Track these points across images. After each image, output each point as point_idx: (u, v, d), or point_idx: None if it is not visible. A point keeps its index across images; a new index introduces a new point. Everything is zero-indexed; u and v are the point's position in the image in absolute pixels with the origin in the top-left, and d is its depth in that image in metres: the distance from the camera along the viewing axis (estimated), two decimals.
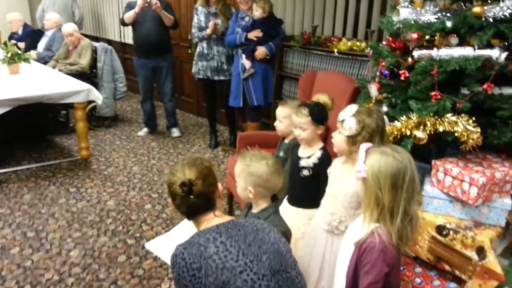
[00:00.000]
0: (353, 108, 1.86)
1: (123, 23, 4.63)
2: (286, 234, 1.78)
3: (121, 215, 3.28)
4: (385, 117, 2.00)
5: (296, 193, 2.35)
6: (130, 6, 4.50)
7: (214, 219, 1.50)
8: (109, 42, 6.40)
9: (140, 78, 4.77)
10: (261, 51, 3.78)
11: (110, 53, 5.22)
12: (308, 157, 2.27)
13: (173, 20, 4.48)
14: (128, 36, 6.20)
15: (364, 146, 1.56)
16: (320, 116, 2.26)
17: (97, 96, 4.03)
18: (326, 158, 2.23)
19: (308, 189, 2.27)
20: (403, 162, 1.42)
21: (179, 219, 3.21)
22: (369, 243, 1.43)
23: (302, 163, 2.28)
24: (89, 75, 5.08)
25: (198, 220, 1.53)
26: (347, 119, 1.85)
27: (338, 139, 1.92)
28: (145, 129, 5.07)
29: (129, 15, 4.47)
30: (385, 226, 1.43)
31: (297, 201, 2.33)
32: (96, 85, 4.93)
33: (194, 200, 1.47)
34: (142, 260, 2.75)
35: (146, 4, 4.29)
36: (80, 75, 4.84)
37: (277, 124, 2.65)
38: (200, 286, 1.35)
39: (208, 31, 4.13)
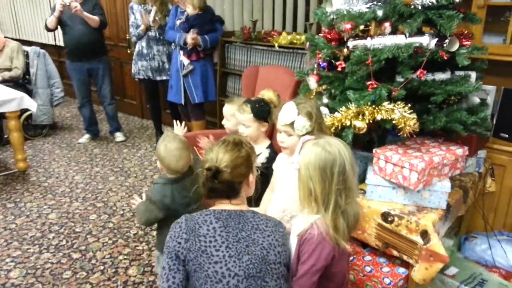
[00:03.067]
0: (292, 107, 1.83)
1: (47, 28, 4.38)
2: (153, 200, 1.98)
3: (64, 228, 3.11)
4: (324, 108, 2.01)
5: None
6: (54, 10, 4.28)
7: (225, 204, 1.50)
8: (43, 46, 6.06)
9: (75, 82, 4.55)
10: (189, 36, 3.65)
11: (44, 57, 4.94)
12: None
13: (99, 21, 4.27)
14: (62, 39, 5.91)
15: (303, 138, 1.55)
16: (262, 112, 2.22)
17: (31, 104, 3.79)
18: (274, 157, 2.18)
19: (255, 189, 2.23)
20: (331, 153, 1.41)
21: (126, 227, 3.09)
22: (308, 234, 1.43)
23: None
24: (22, 82, 4.79)
25: (215, 201, 1.53)
26: (296, 119, 1.82)
27: (292, 141, 1.86)
28: (87, 136, 4.85)
29: (50, 20, 4.26)
30: (323, 218, 1.42)
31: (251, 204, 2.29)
32: (30, 92, 4.69)
33: (217, 185, 1.46)
34: (89, 274, 2.61)
35: (66, 7, 4.10)
36: (12, 82, 4.56)
37: (225, 122, 2.58)
38: (179, 255, 1.40)
39: (142, 27, 4.02)
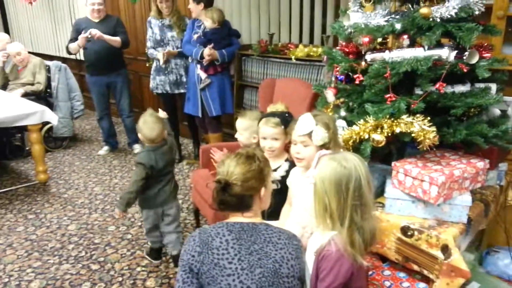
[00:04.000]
0: (310, 118, 1.83)
1: (68, 52, 4.50)
2: (143, 163, 2.50)
3: (84, 239, 3.15)
4: (342, 121, 2.00)
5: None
6: (76, 29, 4.39)
7: (238, 217, 1.51)
8: (64, 60, 6.21)
9: (94, 95, 4.64)
10: (207, 52, 3.69)
11: (65, 71, 5.06)
12: (275, 170, 2.20)
13: (121, 42, 4.37)
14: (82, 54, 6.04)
15: (319, 152, 1.55)
16: (290, 123, 2.19)
17: (52, 117, 3.88)
18: None
19: (275, 203, 2.22)
20: (347, 168, 1.40)
21: (143, 238, 3.11)
22: (326, 251, 1.42)
23: None
24: (43, 95, 4.90)
25: (229, 214, 1.55)
26: (315, 129, 1.82)
27: (310, 152, 1.84)
28: (106, 147, 4.93)
29: (74, 47, 4.39)
30: (339, 234, 1.41)
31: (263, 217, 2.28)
32: (51, 105, 4.79)
33: (228, 198, 1.48)
34: (108, 285, 2.63)
35: (89, 37, 4.22)
36: (34, 96, 4.68)
37: (238, 136, 2.58)
38: (193, 268, 1.41)
39: (161, 62, 4.09)
